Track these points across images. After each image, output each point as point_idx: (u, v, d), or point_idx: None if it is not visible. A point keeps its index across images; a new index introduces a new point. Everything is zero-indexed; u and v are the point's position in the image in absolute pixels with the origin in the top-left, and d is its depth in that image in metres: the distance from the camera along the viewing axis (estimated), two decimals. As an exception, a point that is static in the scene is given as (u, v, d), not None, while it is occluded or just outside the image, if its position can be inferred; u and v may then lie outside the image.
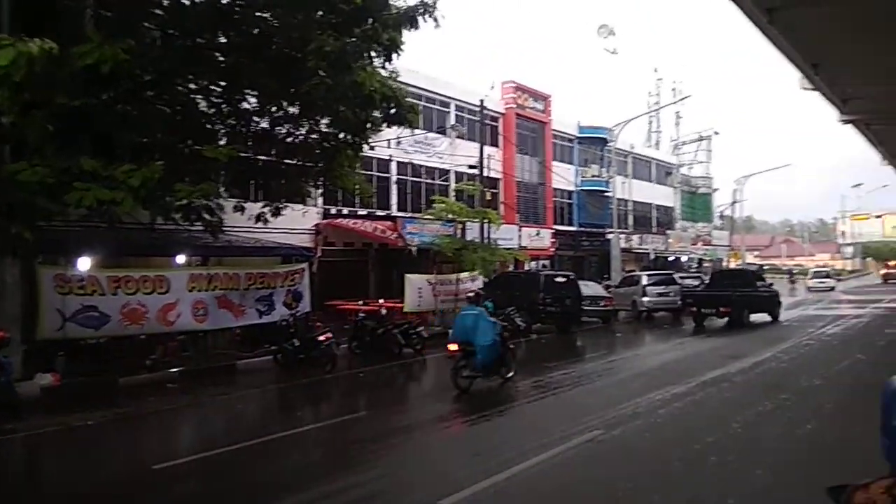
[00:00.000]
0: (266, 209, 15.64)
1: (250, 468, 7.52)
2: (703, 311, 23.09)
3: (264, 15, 13.21)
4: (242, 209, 14.64)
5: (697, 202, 53.15)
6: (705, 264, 48.99)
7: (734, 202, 52.68)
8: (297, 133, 15.33)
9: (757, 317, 23.37)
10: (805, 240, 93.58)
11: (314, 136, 15.25)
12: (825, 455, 7.03)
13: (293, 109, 14.72)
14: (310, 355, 13.88)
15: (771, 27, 11.74)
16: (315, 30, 12.48)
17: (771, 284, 27.98)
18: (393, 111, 14.59)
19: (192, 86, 13.95)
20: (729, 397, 10.62)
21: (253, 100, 14.66)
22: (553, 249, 34.65)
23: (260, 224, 15.68)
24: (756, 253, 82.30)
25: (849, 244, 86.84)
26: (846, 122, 20.92)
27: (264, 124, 15.14)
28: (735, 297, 22.64)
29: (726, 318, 22.52)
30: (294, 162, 15.77)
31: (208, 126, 14.49)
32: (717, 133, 54.02)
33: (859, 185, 74.07)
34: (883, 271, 60.36)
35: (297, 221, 20.08)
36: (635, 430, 8.50)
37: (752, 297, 23.47)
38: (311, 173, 16.03)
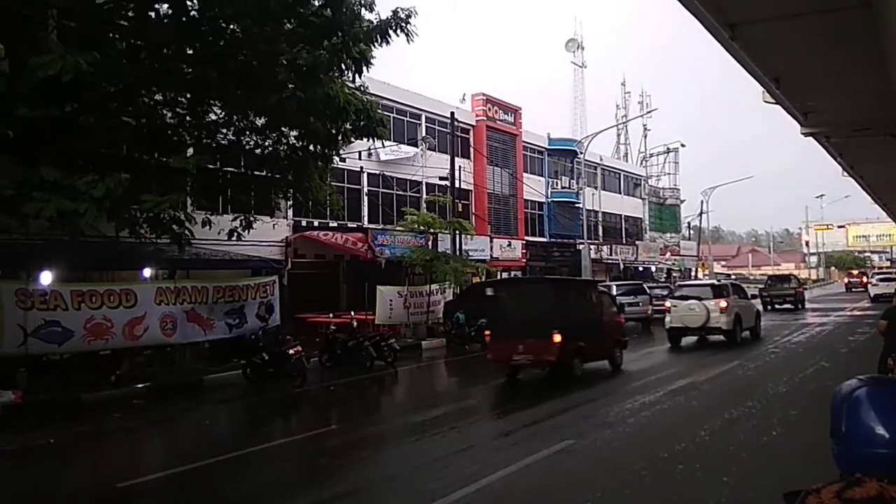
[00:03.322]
0: (237, 223, 15.49)
1: (218, 485, 7.40)
2: (774, 302, 34.19)
3: (232, 27, 13.13)
4: (210, 223, 14.44)
5: (665, 213, 53.96)
6: (674, 274, 49.69)
7: (701, 213, 53.60)
8: (266, 145, 15.24)
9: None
10: (771, 250, 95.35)
11: (283, 147, 15.17)
12: (789, 461, 7.15)
13: (260, 121, 14.62)
14: (280, 369, 13.72)
15: (733, 43, 11.98)
16: (283, 42, 12.44)
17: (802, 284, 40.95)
18: (363, 124, 14.61)
19: (158, 97, 13.80)
20: (696, 405, 10.76)
21: (220, 111, 14.54)
22: (524, 260, 34.86)
23: (234, 238, 15.53)
24: (723, 263, 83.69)
25: (813, 254, 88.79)
26: (807, 134, 21.39)
27: (231, 136, 15.02)
28: (796, 292, 35.42)
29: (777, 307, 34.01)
30: (263, 174, 15.67)
31: (174, 138, 14.33)
32: (683, 145, 55.25)
33: (822, 195, 76.02)
34: (846, 280, 61.65)
35: (267, 234, 19.93)
36: (605, 439, 8.56)
37: (800, 293, 36.06)
38: (280, 185, 15.93)
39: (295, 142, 15.08)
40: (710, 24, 11.44)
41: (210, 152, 14.53)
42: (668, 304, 20.31)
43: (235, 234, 15.22)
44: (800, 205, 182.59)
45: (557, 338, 13.05)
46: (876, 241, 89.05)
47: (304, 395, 13.41)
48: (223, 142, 15.02)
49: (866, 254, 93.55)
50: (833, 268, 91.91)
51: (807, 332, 22.72)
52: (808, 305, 38.17)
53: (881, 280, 40.78)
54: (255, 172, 15.62)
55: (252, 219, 15.83)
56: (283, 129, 14.79)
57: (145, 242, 14.21)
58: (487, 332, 14.98)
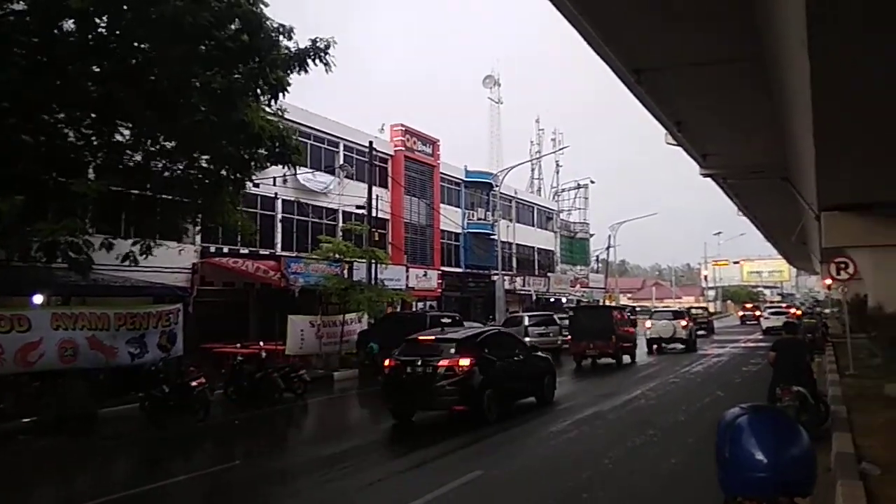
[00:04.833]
0: (135, 248, 14.71)
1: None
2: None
3: (143, 46, 12.71)
4: (111, 247, 13.68)
5: (576, 246, 55.70)
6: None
7: (609, 247, 55.71)
8: (175, 168, 14.71)
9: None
10: (673, 283, 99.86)
11: (193, 171, 14.69)
12: (687, 487, 7.45)
13: (170, 144, 14.12)
14: (181, 402, 13.04)
15: (638, 87, 12.67)
16: (198, 65, 12.13)
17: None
18: (278, 150, 14.38)
19: (60, 115, 13.13)
20: (601, 434, 11.02)
21: (127, 132, 13.97)
22: (440, 290, 35.03)
23: (130, 263, 14.75)
24: (629, 295, 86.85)
25: (711, 288, 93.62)
26: (706, 175, 22.76)
27: (138, 157, 14.41)
28: (708, 321, 44.77)
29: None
30: (170, 197, 15.08)
31: (76, 158, 13.63)
32: (593, 182, 57.47)
33: (719, 233, 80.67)
34: (741, 313, 65.01)
35: (173, 260, 19.17)
36: (513, 468, 8.63)
37: (711, 322, 45.53)
38: (188, 209, 15.37)
39: (206, 165, 14.63)
40: (618, 68, 12.05)
41: (115, 174, 13.86)
42: (648, 323, 30.27)
43: (132, 258, 14.38)
44: (700, 241, 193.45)
45: (614, 339, 22.70)
46: (768, 276, 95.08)
47: (206, 429, 12.84)
48: (129, 163, 14.37)
49: (759, 288, 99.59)
50: (729, 301, 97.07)
51: (704, 363, 23.81)
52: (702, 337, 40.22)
53: (772, 314, 43.21)
54: (163, 196, 15.01)
55: (154, 244, 15.07)
56: (194, 152, 14.32)
57: (37, 267, 13.35)
58: (570, 336, 24.47)
